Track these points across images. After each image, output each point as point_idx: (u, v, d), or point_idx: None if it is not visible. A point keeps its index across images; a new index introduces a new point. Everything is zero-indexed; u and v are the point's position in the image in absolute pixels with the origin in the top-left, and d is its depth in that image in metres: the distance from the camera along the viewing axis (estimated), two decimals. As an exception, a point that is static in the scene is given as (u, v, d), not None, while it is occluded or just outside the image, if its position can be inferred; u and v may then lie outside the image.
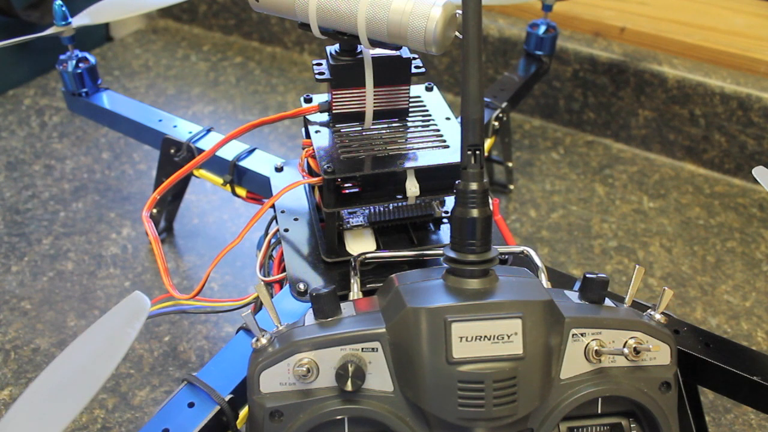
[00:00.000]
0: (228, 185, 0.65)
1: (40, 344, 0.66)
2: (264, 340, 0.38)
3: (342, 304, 0.40)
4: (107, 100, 0.74)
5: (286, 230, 0.55)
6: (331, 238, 0.52)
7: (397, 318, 0.37)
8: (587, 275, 0.41)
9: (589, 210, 0.85)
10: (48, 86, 1.04)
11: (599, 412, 0.41)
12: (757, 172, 0.50)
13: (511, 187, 0.87)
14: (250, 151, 0.65)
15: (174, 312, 0.53)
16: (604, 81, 0.94)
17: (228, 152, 0.65)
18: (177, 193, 0.76)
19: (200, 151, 0.67)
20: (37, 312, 0.69)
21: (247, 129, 0.56)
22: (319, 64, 0.52)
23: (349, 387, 0.37)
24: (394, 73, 0.51)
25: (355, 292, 0.46)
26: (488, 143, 0.77)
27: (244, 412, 0.44)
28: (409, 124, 0.53)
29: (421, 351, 0.36)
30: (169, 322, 0.69)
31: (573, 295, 0.41)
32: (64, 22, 0.68)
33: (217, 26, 1.20)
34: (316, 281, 0.51)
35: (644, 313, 0.41)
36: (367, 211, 0.53)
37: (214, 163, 0.65)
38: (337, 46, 0.50)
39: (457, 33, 0.45)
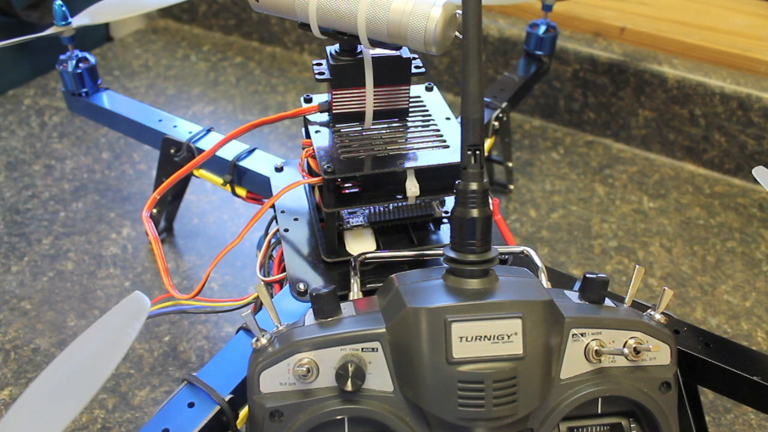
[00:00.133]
0: (228, 185, 0.65)
1: (40, 344, 0.66)
2: (264, 340, 0.38)
3: (342, 304, 0.40)
4: (107, 100, 0.74)
5: (286, 230, 0.55)
6: (331, 238, 0.52)
7: (397, 318, 0.37)
8: (587, 275, 0.41)
9: (589, 210, 0.85)
10: (48, 86, 1.04)
11: (599, 412, 0.41)
12: (757, 172, 0.50)
13: (511, 187, 0.87)
14: (250, 151, 0.65)
15: (174, 312, 0.53)
16: (604, 81, 0.94)
17: (228, 152, 0.65)
18: (177, 193, 0.76)
19: (200, 151, 0.67)
20: (37, 312, 0.69)
21: (247, 129, 0.56)
22: (319, 64, 0.52)
23: (349, 387, 0.37)
24: (394, 73, 0.51)
25: (355, 292, 0.46)
26: (488, 143, 0.77)
27: (244, 412, 0.44)
28: (409, 124, 0.53)
29: (421, 351, 0.36)
30: (169, 322, 0.69)
31: (573, 295, 0.41)
32: (64, 22, 0.68)
33: (217, 26, 1.20)
34: (316, 281, 0.51)
35: (644, 313, 0.41)
36: (367, 211, 0.53)
37: (214, 163, 0.65)
38: (337, 46, 0.50)
39: (457, 33, 0.45)
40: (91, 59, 0.72)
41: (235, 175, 0.65)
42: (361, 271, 0.49)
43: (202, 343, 0.67)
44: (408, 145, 0.51)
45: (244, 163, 0.64)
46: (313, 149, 0.51)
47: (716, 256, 0.79)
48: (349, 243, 0.52)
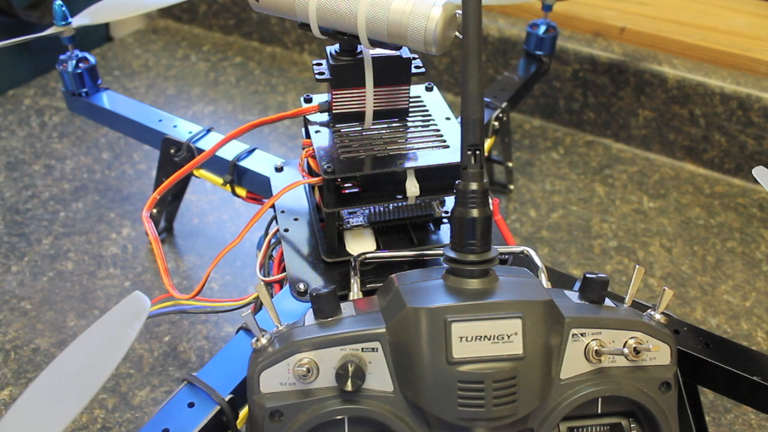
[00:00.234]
0: (228, 185, 0.65)
1: (40, 344, 0.66)
2: (264, 340, 0.38)
3: (342, 304, 0.40)
4: (107, 100, 0.74)
5: (286, 230, 0.55)
6: (331, 238, 0.52)
7: (397, 318, 0.37)
8: (587, 275, 0.41)
9: (589, 210, 0.85)
10: (48, 86, 1.04)
11: (599, 412, 0.41)
12: (757, 172, 0.50)
13: (511, 187, 0.87)
14: (250, 151, 0.65)
15: (174, 312, 0.53)
16: (604, 81, 0.94)
17: (228, 152, 0.65)
18: (177, 193, 0.76)
19: (200, 151, 0.67)
20: (37, 312, 0.69)
21: (247, 129, 0.56)
22: (319, 64, 0.52)
23: (349, 387, 0.37)
24: (394, 73, 0.51)
25: (355, 292, 0.46)
26: (488, 143, 0.77)
27: (244, 412, 0.44)
28: (409, 124, 0.53)
29: (421, 351, 0.36)
30: (169, 322, 0.69)
31: (573, 295, 0.41)
32: (64, 22, 0.68)
33: (217, 26, 1.20)
34: (316, 281, 0.51)
35: (644, 313, 0.41)
36: (367, 211, 0.53)
37: (214, 163, 0.65)
38: (337, 46, 0.50)
39: (457, 33, 0.45)
40: (91, 59, 0.73)
41: (235, 175, 0.65)
42: (361, 271, 0.49)
43: (202, 343, 0.67)
44: (408, 145, 0.51)
45: (244, 163, 0.64)
46: (313, 149, 0.51)
47: (716, 256, 0.79)
48: (349, 243, 0.52)
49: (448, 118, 0.54)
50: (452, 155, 0.49)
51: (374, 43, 0.47)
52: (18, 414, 0.33)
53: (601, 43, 0.94)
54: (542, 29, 0.82)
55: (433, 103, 0.55)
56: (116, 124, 0.74)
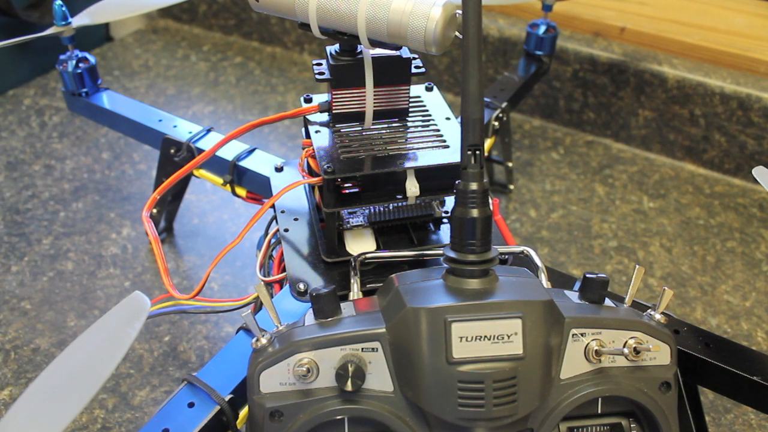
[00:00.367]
0: (228, 185, 0.65)
1: (40, 344, 0.66)
2: (264, 340, 0.38)
3: (342, 304, 0.40)
4: (107, 100, 0.74)
5: (286, 230, 0.55)
6: (331, 238, 0.52)
7: (397, 318, 0.37)
8: (587, 275, 0.41)
9: (589, 210, 0.85)
10: (48, 86, 1.04)
11: (599, 412, 0.41)
12: (757, 172, 0.50)
13: (511, 187, 0.87)
14: (250, 151, 0.65)
15: (174, 312, 0.53)
16: (604, 81, 0.94)
17: (228, 152, 0.65)
18: (177, 193, 0.76)
19: (200, 151, 0.67)
20: (37, 312, 0.69)
21: (247, 129, 0.56)
22: (319, 64, 0.52)
23: (349, 387, 0.37)
24: (394, 73, 0.51)
25: (355, 292, 0.46)
26: (488, 143, 0.77)
27: (244, 412, 0.44)
28: (409, 124, 0.53)
29: (421, 351, 0.36)
30: (169, 322, 0.69)
31: (573, 295, 0.41)
32: (64, 22, 0.68)
33: (217, 26, 1.20)
34: (316, 281, 0.51)
35: (644, 313, 0.41)
36: (367, 211, 0.53)
37: (214, 163, 0.65)
38: (337, 46, 0.50)
39: (457, 33, 0.45)
40: (91, 59, 0.73)
41: (235, 175, 0.65)
42: (361, 271, 0.49)
43: (202, 343, 0.67)
44: (408, 145, 0.51)
45: (244, 163, 0.64)
46: (313, 149, 0.51)
47: (716, 256, 0.79)
48: (349, 243, 0.52)
49: (448, 118, 0.54)
50: (452, 155, 0.49)
51: (374, 43, 0.47)
52: (18, 414, 0.33)
53: (601, 43, 0.94)
54: (542, 29, 0.82)
55: (433, 103, 0.55)
56: (116, 124, 0.74)
